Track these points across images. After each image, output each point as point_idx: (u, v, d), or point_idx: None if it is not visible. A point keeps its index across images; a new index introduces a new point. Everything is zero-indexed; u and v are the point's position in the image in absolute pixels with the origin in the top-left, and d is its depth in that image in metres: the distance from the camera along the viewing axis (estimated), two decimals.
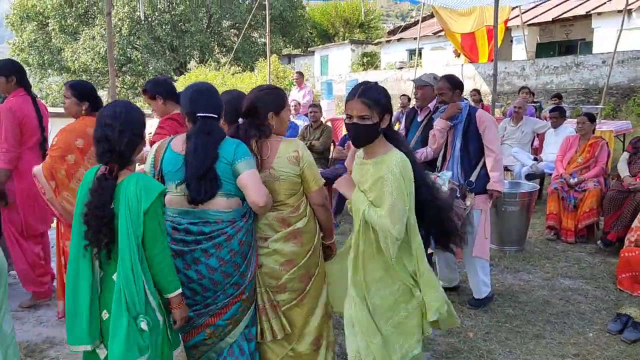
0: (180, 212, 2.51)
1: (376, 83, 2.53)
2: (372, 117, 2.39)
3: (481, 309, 4.16)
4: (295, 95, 11.14)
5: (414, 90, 4.89)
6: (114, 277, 2.20)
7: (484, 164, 4.12)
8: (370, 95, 2.41)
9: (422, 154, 4.74)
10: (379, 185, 2.39)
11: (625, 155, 5.70)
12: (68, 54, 24.68)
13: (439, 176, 4.04)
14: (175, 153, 2.50)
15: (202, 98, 2.51)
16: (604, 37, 15.50)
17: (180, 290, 2.33)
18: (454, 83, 4.19)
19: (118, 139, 2.20)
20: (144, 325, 2.17)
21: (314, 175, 2.73)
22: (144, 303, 2.19)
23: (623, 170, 5.55)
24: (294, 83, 12.21)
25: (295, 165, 2.65)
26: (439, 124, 4.19)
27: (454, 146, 4.15)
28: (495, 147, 4.08)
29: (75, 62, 24.46)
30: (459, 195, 3.99)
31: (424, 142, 4.78)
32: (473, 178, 4.12)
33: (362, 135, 2.45)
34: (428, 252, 4.24)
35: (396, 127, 10.44)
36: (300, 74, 12.00)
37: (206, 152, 2.41)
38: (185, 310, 2.39)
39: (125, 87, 27.03)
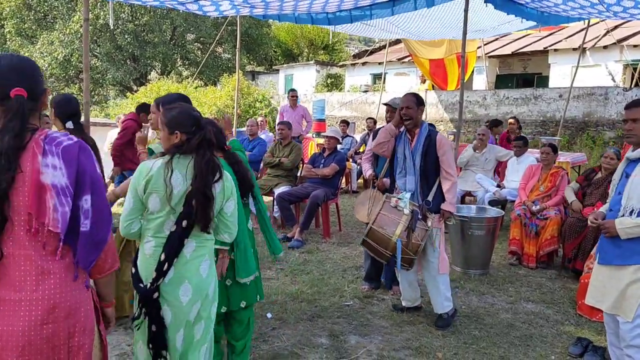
0: None
1: None
2: None
3: (448, 329, 4.23)
4: (288, 117, 10.08)
5: (386, 114, 4.96)
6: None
7: (439, 184, 4.27)
8: None
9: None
10: None
11: (575, 185, 5.92)
12: None
13: (400, 199, 4.13)
14: None
15: None
16: (560, 72, 16.21)
17: None
18: (419, 99, 4.37)
19: None
20: None
21: None
22: None
23: (570, 196, 5.78)
24: (287, 100, 10.73)
25: None
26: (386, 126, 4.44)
27: (414, 164, 4.25)
28: (453, 171, 4.25)
29: None
30: (420, 217, 4.09)
31: None
32: (430, 197, 4.25)
33: None
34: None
35: (362, 149, 10.49)
36: (295, 91, 10.68)
37: None
38: None
39: (81, 94, 26.36)
